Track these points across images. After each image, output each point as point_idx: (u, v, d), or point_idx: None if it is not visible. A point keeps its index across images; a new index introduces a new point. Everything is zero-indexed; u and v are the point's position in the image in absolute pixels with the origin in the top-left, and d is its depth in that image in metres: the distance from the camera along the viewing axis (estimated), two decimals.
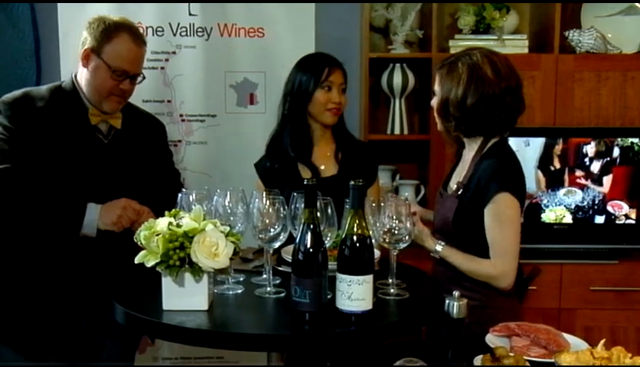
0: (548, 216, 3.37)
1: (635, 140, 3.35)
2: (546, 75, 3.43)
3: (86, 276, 2.48)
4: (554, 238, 3.42)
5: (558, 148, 3.35)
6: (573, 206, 3.38)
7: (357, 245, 1.73)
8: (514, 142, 3.25)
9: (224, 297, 1.98)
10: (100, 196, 2.47)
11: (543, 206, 3.37)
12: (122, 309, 1.83)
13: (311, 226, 1.74)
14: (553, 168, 3.36)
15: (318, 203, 1.93)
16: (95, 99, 2.50)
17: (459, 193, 2.31)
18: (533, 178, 3.34)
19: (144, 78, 2.58)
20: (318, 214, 1.92)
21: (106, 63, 2.45)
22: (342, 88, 2.67)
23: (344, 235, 1.76)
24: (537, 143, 3.34)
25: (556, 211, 3.36)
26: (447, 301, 1.81)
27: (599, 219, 3.39)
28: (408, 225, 1.97)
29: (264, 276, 2.05)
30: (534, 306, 3.27)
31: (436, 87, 2.36)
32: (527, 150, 3.34)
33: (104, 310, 1.96)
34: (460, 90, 2.25)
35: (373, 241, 1.98)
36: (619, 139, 3.36)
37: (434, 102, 2.38)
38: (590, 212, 3.39)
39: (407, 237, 1.98)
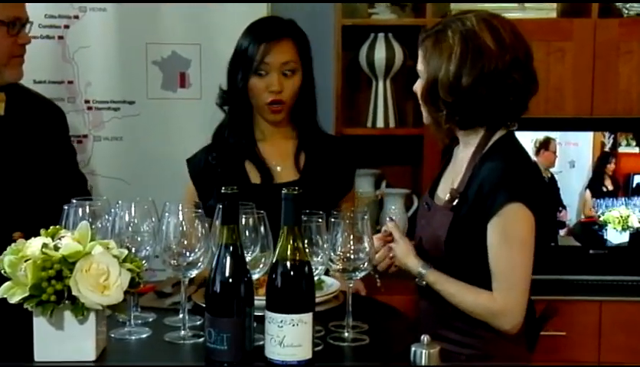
0: (611, 216, 3.46)
1: None
2: (581, 47, 3.48)
3: None
4: (591, 268, 3.48)
5: (610, 168, 3.45)
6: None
7: (292, 273, 1.78)
8: (558, 164, 3.41)
9: (124, 344, 2.03)
10: None
11: (600, 213, 3.47)
12: None
13: (232, 249, 1.79)
14: (605, 190, 3.46)
15: (248, 219, 1.99)
16: None
17: (454, 203, 2.35)
18: (576, 204, 3.46)
19: (32, 24, 2.63)
20: (247, 233, 1.99)
21: None
22: (289, 68, 2.72)
23: (274, 260, 1.81)
24: (585, 163, 3.46)
25: (620, 210, 3.46)
26: (413, 349, 1.85)
27: None
28: (367, 245, 2.03)
29: (181, 316, 2.10)
30: (564, 358, 3.31)
31: (420, 66, 2.40)
32: (572, 171, 3.46)
33: None
34: (452, 67, 2.28)
35: (321, 267, 2.05)
36: None
37: (418, 85, 2.43)
38: None
39: (366, 264, 2.04)
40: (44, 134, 2.72)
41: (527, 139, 3.18)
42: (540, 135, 3.41)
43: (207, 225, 2.03)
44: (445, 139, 2.49)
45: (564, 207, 3.46)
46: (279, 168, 2.78)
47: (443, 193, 2.47)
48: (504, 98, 2.31)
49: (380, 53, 3.61)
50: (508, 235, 2.25)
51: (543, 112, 3.41)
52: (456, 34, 2.30)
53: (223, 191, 1.81)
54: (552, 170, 3.44)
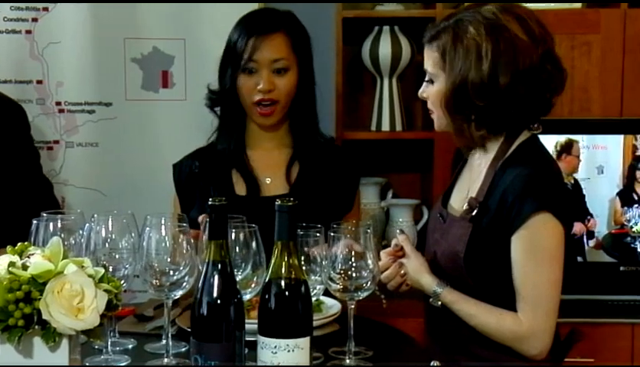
0: None
1: None
2: (610, 40, 3.49)
3: None
4: (622, 286, 3.49)
5: None
6: None
7: (286, 293, 1.80)
8: (584, 169, 3.40)
9: None
10: None
11: (632, 224, 3.48)
12: None
13: (220, 266, 1.80)
14: (637, 198, 3.46)
15: (238, 234, 2.02)
16: None
17: (473, 214, 2.36)
18: (606, 213, 3.46)
19: None
20: (238, 249, 2.01)
21: None
22: (281, 65, 2.74)
23: (267, 279, 1.82)
24: (614, 169, 3.46)
25: None
26: None
27: None
28: (370, 262, 2.05)
29: (163, 342, 2.11)
30: None
31: (433, 68, 2.39)
32: (601, 178, 3.46)
33: None
34: (485, 66, 2.28)
35: (319, 287, 2.07)
36: None
37: (433, 89, 2.41)
38: None
39: (369, 283, 2.06)
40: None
41: (548, 142, 3.17)
42: (562, 138, 3.42)
43: (192, 240, 2.05)
44: (473, 146, 2.46)
45: (591, 216, 3.46)
46: (268, 180, 2.81)
47: (457, 203, 2.49)
48: (541, 95, 2.34)
49: (385, 49, 3.62)
50: (536, 248, 2.27)
51: (568, 114, 3.42)
52: (480, 28, 2.30)
53: (210, 203, 1.82)
54: (577, 176, 3.44)
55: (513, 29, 2.30)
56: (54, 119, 3.36)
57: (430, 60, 2.40)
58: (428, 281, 2.38)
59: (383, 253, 2.43)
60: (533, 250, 2.27)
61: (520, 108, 2.33)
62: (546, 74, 2.32)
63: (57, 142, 3.37)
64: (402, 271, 2.43)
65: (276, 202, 1.83)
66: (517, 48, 2.28)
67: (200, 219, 2.37)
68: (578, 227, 3.41)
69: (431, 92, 2.42)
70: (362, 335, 2.14)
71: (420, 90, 2.46)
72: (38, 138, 3.21)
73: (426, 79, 2.44)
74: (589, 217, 3.45)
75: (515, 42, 2.28)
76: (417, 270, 2.40)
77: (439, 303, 2.36)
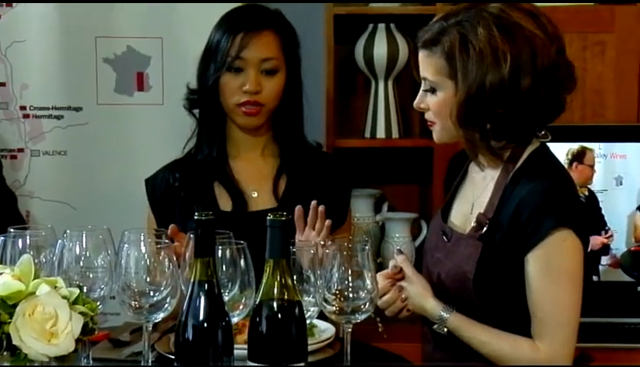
0: None
1: None
2: (625, 40, 3.52)
3: None
4: (639, 309, 3.51)
5: None
6: None
7: (279, 316, 1.81)
8: (600, 180, 3.39)
9: None
10: None
11: None
12: None
13: (206, 287, 1.82)
14: None
15: (225, 251, 2.03)
16: None
17: (483, 231, 2.36)
18: (625, 229, 3.45)
19: None
20: (224, 267, 2.02)
21: None
22: (270, 66, 2.77)
23: (257, 301, 1.83)
24: (635, 179, 3.46)
25: None
26: None
27: None
28: (368, 282, 2.06)
29: None
30: None
31: (435, 76, 2.37)
32: (620, 190, 3.45)
33: None
34: (506, 70, 2.27)
35: (313, 309, 2.09)
36: None
37: (436, 99, 2.39)
38: None
39: (367, 304, 2.07)
40: None
41: (559, 151, 3.14)
42: (575, 146, 3.41)
43: (175, 258, 2.07)
44: (494, 158, 2.42)
45: (606, 232, 3.44)
46: (254, 194, 2.83)
47: (459, 218, 2.51)
48: (559, 94, 2.35)
49: (380, 49, 3.64)
50: (554, 267, 2.27)
51: (579, 119, 3.44)
52: (492, 28, 2.29)
53: (196, 217, 1.83)
54: (592, 187, 3.41)
55: (528, 27, 2.29)
56: (18, 125, 3.36)
57: (431, 66, 2.37)
58: (433, 306, 2.38)
59: (380, 276, 2.40)
60: (551, 270, 2.27)
61: (539, 110, 2.34)
62: (562, 71, 2.34)
63: (21, 150, 3.37)
64: (403, 296, 2.42)
65: (268, 217, 1.84)
66: (536, 46, 2.29)
67: (169, 231, 2.37)
68: (597, 240, 3.39)
69: (433, 102, 2.40)
70: (358, 361, 2.16)
71: (417, 101, 2.44)
72: (0, 145, 3.21)
73: (424, 88, 2.41)
74: (603, 232, 3.44)
75: (532, 40, 2.29)
76: (420, 294, 2.40)
77: (445, 329, 2.36)
